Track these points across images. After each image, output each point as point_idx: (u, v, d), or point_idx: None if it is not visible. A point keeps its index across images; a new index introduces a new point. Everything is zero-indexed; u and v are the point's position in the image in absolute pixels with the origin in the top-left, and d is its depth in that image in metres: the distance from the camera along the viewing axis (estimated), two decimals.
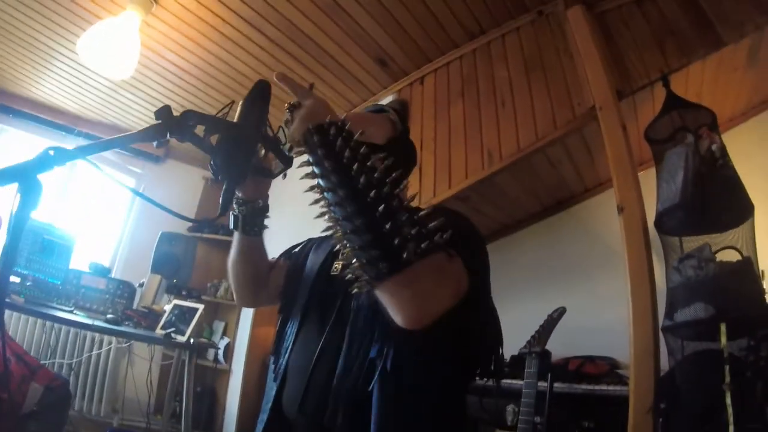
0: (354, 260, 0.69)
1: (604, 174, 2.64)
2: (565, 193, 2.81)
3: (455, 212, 0.99)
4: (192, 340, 2.49)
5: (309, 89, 0.88)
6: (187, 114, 0.80)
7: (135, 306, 2.67)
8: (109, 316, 2.42)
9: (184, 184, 3.55)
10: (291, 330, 1.04)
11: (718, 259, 1.81)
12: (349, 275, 0.71)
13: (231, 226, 1.08)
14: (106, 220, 3.52)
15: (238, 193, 1.04)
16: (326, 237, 1.12)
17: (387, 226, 0.65)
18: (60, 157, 0.68)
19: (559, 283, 2.75)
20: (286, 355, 1.01)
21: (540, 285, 2.81)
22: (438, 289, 0.71)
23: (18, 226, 0.70)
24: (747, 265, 1.71)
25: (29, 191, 0.67)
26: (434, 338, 0.77)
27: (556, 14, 2.43)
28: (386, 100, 3.03)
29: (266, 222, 1.10)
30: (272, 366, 1.06)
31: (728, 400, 1.57)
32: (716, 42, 1.90)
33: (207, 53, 2.68)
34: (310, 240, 1.23)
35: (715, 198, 1.82)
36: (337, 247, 0.75)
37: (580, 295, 2.63)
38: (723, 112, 1.89)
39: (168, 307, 2.61)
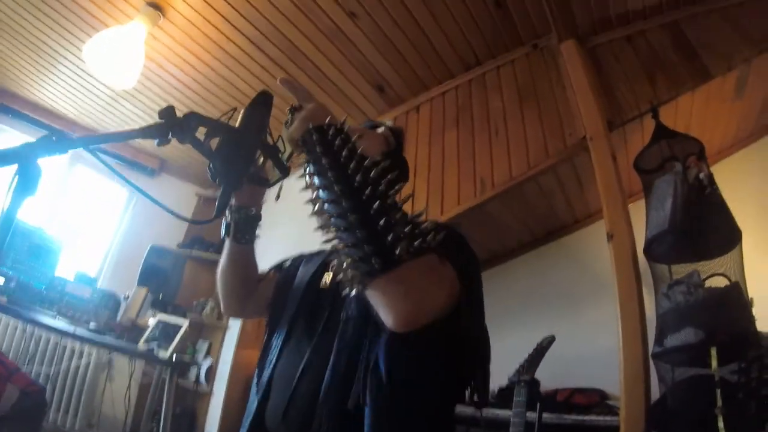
0: (347, 258, 0.68)
1: (594, 205, 2.67)
2: (556, 223, 2.83)
3: (447, 225, 0.99)
4: (174, 357, 2.44)
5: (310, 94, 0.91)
6: (190, 115, 0.82)
7: (119, 318, 2.62)
8: (91, 324, 2.38)
9: (176, 200, 3.54)
10: (276, 342, 1.02)
11: (707, 285, 1.83)
12: (341, 275, 0.69)
13: (222, 233, 1.08)
14: (96, 229, 3.48)
15: (233, 200, 1.04)
16: (317, 252, 1.15)
17: (381, 223, 0.65)
18: (62, 143, 0.69)
19: (549, 312, 2.74)
20: (270, 368, 0.99)
21: (530, 314, 2.80)
22: (430, 288, 0.71)
23: (13, 209, 0.70)
24: (736, 290, 1.72)
25: (28, 174, 0.67)
26: (427, 343, 0.78)
27: (550, 48, 2.51)
28: None
29: (259, 235, 1.09)
30: (255, 380, 1.03)
31: (720, 424, 1.54)
32: (704, 74, 1.97)
33: (208, 69, 2.74)
34: (301, 255, 1.22)
35: (704, 224, 1.85)
36: (329, 259, 0.76)
37: (569, 325, 2.62)
38: (711, 144, 1.94)
39: (152, 322, 2.56)
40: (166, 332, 2.49)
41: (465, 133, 2.70)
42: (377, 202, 0.66)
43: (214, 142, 0.90)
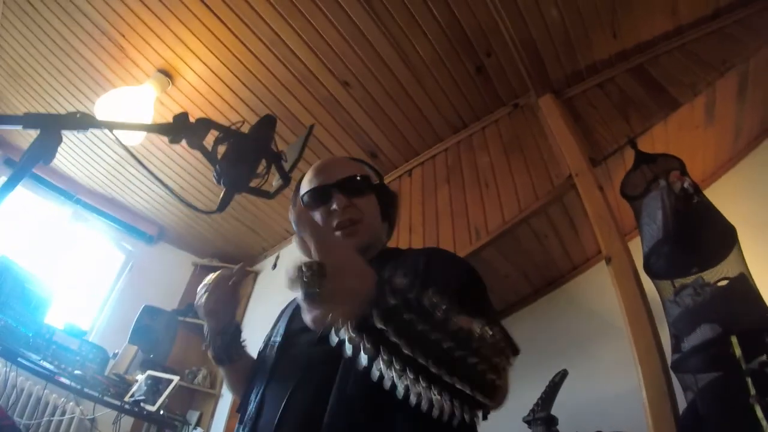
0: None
1: (591, 249, 2.72)
2: (554, 272, 2.84)
3: (451, 256, 1.04)
4: (162, 412, 2.27)
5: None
6: (202, 121, 0.88)
7: (106, 373, 2.48)
8: (77, 372, 2.24)
9: (173, 267, 3.55)
10: (255, 396, 0.97)
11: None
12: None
13: (217, 363, 1.09)
14: (91, 286, 3.41)
15: (213, 327, 1.04)
16: (288, 304, 1.15)
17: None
18: (84, 121, 0.77)
19: (557, 363, 2.62)
20: (250, 424, 0.92)
21: (537, 367, 2.67)
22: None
23: (25, 168, 0.78)
24: (742, 281, 1.72)
25: (49, 141, 0.75)
26: None
27: (530, 104, 2.75)
28: None
29: (245, 343, 1.10)
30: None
31: (760, 413, 1.45)
32: (673, 103, 2.16)
33: (210, 136, 2.92)
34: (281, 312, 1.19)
35: (697, 229, 1.90)
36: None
37: (582, 373, 2.51)
38: (693, 172, 2.04)
39: (141, 377, 2.42)
40: (155, 388, 2.35)
41: (456, 190, 2.83)
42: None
43: (221, 152, 0.99)
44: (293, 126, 2.94)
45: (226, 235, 3.72)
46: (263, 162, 1.02)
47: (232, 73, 2.67)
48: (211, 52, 2.59)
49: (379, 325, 0.57)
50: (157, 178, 1.01)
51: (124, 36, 2.53)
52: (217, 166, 0.94)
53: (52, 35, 2.61)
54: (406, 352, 0.58)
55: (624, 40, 2.35)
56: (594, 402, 2.45)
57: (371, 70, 2.73)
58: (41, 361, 2.17)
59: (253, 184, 0.98)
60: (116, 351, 2.70)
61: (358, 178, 1.11)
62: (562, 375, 2.23)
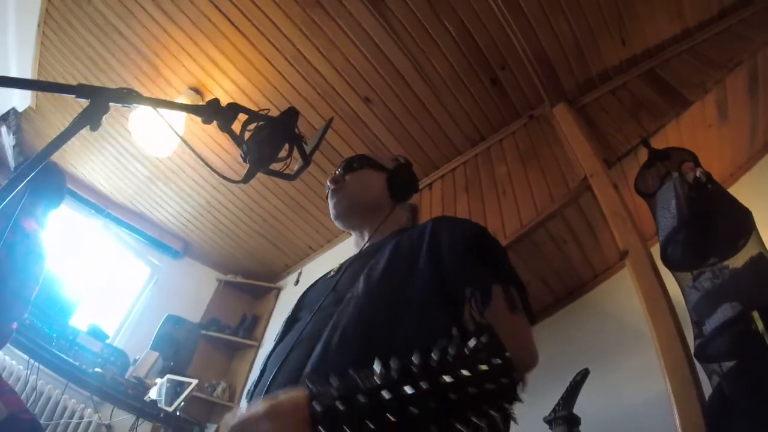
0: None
1: (611, 256, 2.72)
2: (575, 279, 2.83)
3: (456, 219, 1.16)
4: (179, 413, 2.32)
5: None
6: (231, 105, 1.01)
7: (126, 376, 2.55)
8: (98, 369, 2.32)
9: (197, 283, 3.66)
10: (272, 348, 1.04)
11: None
12: None
13: None
14: (117, 296, 3.53)
15: None
16: None
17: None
18: (130, 97, 0.86)
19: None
20: (263, 365, 1.00)
21: (562, 380, 2.64)
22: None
23: (70, 132, 0.91)
24: (760, 259, 1.72)
25: (96, 110, 0.83)
26: None
27: (545, 115, 2.85)
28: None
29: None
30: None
31: None
32: (683, 102, 2.22)
33: (237, 151, 3.08)
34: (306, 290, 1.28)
35: (712, 212, 1.92)
36: None
37: (609, 382, 2.46)
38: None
39: (160, 380, 2.48)
40: (174, 391, 2.40)
41: (475, 199, 2.90)
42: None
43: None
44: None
45: (250, 251, 3.84)
46: (286, 147, 1.16)
47: (258, 89, 2.87)
48: (239, 70, 2.79)
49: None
50: (201, 158, 1.12)
51: (157, 55, 2.76)
52: (244, 146, 1.07)
53: (90, 54, 2.86)
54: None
55: (633, 46, 2.45)
56: (622, 411, 2.39)
57: (391, 86, 2.89)
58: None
59: (277, 168, 1.13)
60: (137, 357, 2.78)
61: (352, 159, 1.35)
62: (584, 374, 2.20)
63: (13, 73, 3.01)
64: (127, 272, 3.87)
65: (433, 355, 0.68)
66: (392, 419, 0.61)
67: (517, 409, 0.77)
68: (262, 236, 3.67)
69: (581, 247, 2.68)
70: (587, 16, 2.43)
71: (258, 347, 3.41)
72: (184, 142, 1.20)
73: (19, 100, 3.17)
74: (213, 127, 3.00)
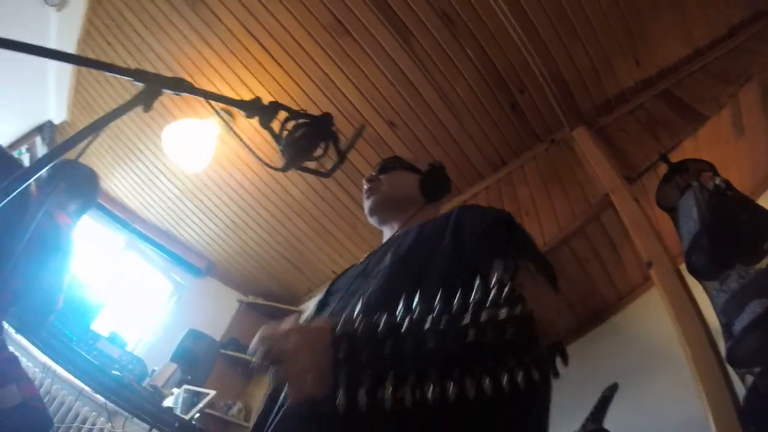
0: None
1: (635, 277, 2.71)
2: (599, 302, 2.81)
3: (480, 206, 1.25)
4: (195, 423, 2.32)
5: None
6: (273, 103, 1.09)
7: (144, 384, 2.57)
8: (115, 372, 2.36)
9: (219, 303, 3.73)
10: None
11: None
12: None
13: None
14: (140, 308, 3.58)
15: None
16: None
17: None
18: (180, 86, 0.96)
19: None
20: None
21: (591, 403, 2.58)
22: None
23: (123, 110, 0.93)
24: None
25: (150, 94, 0.93)
26: None
27: (566, 139, 2.93)
28: None
29: None
30: None
31: None
32: (699, 117, 2.30)
33: (265, 173, 3.24)
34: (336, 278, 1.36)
35: (733, 216, 1.93)
36: None
37: (640, 405, 2.41)
38: None
39: (177, 390, 2.50)
40: (191, 401, 2.41)
41: None
42: None
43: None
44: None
45: (273, 273, 3.90)
46: (321, 148, 1.26)
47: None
48: (269, 93, 2.97)
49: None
50: (247, 145, 1.24)
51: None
52: (283, 141, 1.16)
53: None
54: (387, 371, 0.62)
55: (647, 68, 2.56)
56: None
57: (415, 111, 3.02)
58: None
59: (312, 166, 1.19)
60: (155, 368, 2.81)
61: (387, 160, 1.48)
62: (613, 388, 2.16)
63: (52, 86, 3.23)
64: (150, 286, 3.98)
65: (455, 299, 0.66)
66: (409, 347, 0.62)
67: None
68: (285, 258, 3.74)
69: (604, 265, 2.68)
70: (601, 40, 2.55)
71: None
72: (233, 131, 1.30)
73: (56, 113, 3.38)
74: (242, 148, 3.16)
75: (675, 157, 2.42)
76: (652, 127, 2.50)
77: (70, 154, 1.01)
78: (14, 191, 0.77)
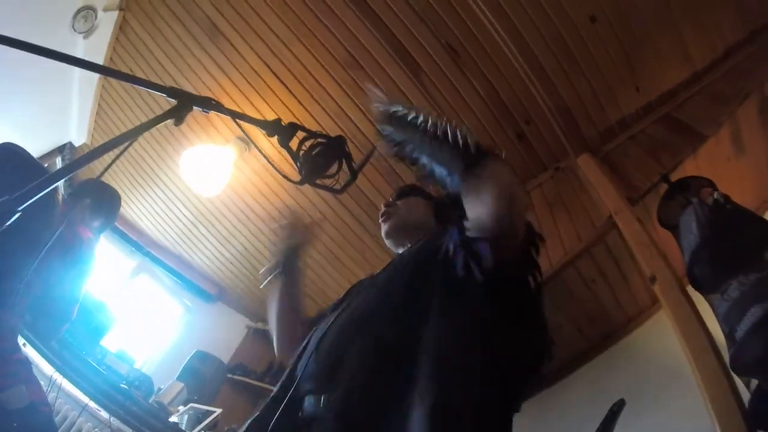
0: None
1: (642, 299, 2.73)
2: (608, 324, 2.82)
3: None
4: None
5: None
6: (292, 124, 1.22)
7: (150, 401, 2.60)
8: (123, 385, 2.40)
9: (227, 328, 3.79)
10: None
11: None
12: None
13: (279, 271, 1.54)
14: (149, 329, 3.63)
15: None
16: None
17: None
18: (210, 106, 1.06)
19: (623, 421, 2.50)
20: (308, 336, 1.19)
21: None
22: (516, 184, 1.12)
23: (155, 122, 0.99)
24: None
25: (182, 110, 1.01)
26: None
27: (571, 167, 3.02)
28: None
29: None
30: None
31: None
32: (698, 137, 2.40)
33: (279, 202, 3.37)
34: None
35: (733, 229, 1.98)
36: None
37: (651, 428, 2.39)
38: None
39: (183, 408, 2.53)
40: (196, 418, 2.44)
41: None
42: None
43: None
44: (353, 193, 3.35)
45: None
46: (335, 165, 1.38)
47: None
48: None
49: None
50: (268, 159, 1.32)
51: None
52: (300, 158, 1.29)
53: (149, 102, 3.29)
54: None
55: (647, 94, 2.67)
56: None
57: None
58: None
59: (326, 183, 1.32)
60: (161, 386, 2.85)
61: (404, 187, 1.63)
62: (620, 405, 2.15)
63: (75, 108, 3.44)
64: (160, 308, 4.07)
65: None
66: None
67: None
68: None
69: (611, 287, 2.72)
70: (602, 69, 2.69)
71: None
72: (256, 147, 1.41)
73: (76, 134, 3.58)
74: (258, 176, 3.33)
75: (676, 177, 2.50)
76: (654, 150, 2.60)
77: (98, 167, 1.09)
78: (39, 194, 0.78)
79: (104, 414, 2.67)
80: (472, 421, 0.82)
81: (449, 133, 1.01)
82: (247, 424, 1.04)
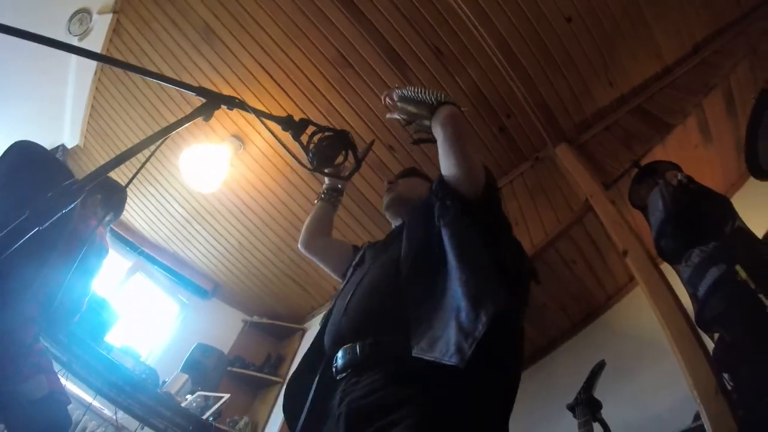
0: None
1: (620, 277, 3.01)
2: (590, 303, 3.10)
3: None
4: (212, 420, 2.51)
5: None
6: (303, 120, 1.37)
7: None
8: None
9: (223, 323, 3.97)
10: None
11: None
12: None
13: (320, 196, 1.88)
14: (148, 325, 3.79)
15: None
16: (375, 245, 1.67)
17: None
18: (233, 104, 1.19)
19: (605, 393, 2.75)
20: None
21: None
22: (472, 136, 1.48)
23: (185, 121, 1.12)
24: (740, 229, 2.06)
25: (209, 108, 1.13)
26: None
27: (550, 156, 3.29)
28: None
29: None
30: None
31: None
32: (667, 126, 2.69)
33: (272, 195, 3.58)
34: (365, 248, 1.69)
35: (695, 205, 2.27)
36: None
37: (631, 396, 2.66)
38: None
39: (190, 396, 2.69)
40: (205, 404, 2.61)
41: None
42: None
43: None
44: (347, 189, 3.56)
45: (277, 293, 4.16)
46: (341, 155, 1.57)
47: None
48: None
49: None
50: (278, 139, 1.55)
51: None
52: (311, 150, 1.46)
53: (144, 103, 3.44)
54: None
55: (620, 87, 2.97)
56: (648, 421, 2.54)
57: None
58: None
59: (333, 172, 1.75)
60: (166, 379, 3.00)
61: (405, 169, 1.88)
62: (601, 365, 2.42)
63: (69, 110, 3.56)
64: (158, 306, 4.21)
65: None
66: None
67: None
68: (290, 278, 4.01)
69: (591, 267, 2.99)
70: (578, 66, 2.97)
71: (282, 385, 3.60)
72: (279, 141, 1.54)
73: (69, 137, 3.68)
74: (252, 172, 3.52)
75: (646, 161, 2.80)
76: (627, 140, 2.89)
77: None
78: (69, 203, 0.82)
79: (108, 413, 2.82)
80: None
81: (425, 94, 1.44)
82: (287, 382, 1.33)
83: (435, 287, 1.12)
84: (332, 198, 1.89)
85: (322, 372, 1.27)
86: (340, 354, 1.21)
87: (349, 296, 1.31)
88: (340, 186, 1.91)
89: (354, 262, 1.59)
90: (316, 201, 1.91)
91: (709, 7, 2.70)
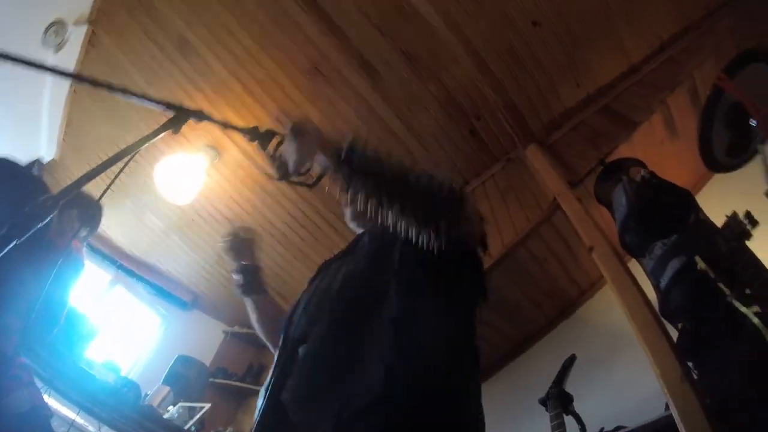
0: None
1: (594, 273, 3.12)
2: (564, 299, 3.20)
3: None
4: (194, 431, 2.55)
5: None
6: (269, 130, 1.37)
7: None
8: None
9: (204, 334, 4.00)
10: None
11: None
12: None
13: (241, 293, 1.69)
14: (128, 339, 3.79)
15: (239, 264, 1.67)
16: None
17: None
18: (203, 116, 1.26)
19: (581, 387, 2.84)
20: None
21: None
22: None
23: (155, 134, 1.20)
24: (699, 221, 2.17)
25: (179, 120, 1.20)
26: None
27: (520, 157, 3.40)
28: None
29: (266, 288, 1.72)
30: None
31: (744, 309, 1.80)
32: (633, 124, 2.81)
33: (249, 206, 3.62)
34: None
35: (658, 201, 2.37)
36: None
37: (605, 388, 2.76)
38: None
39: (173, 408, 2.73)
40: (187, 415, 2.64)
41: None
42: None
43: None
44: (322, 196, 3.62)
45: None
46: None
47: None
48: None
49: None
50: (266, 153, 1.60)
51: None
52: (277, 160, 1.52)
53: (120, 113, 3.43)
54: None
55: (587, 88, 3.08)
56: (623, 412, 2.63)
57: (383, 141, 3.47)
58: None
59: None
60: (148, 392, 3.02)
61: None
62: (571, 359, 2.52)
63: (44, 124, 3.52)
64: (138, 319, 4.21)
65: None
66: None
67: None
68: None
69: (562, 264, 3.09)
70: (545, 68, 3.06)
71: None
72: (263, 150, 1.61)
73: (46, 151, 3.65)
74: (228, 182, 3.56)
75: (611, 160, 2.91)
76: (594, 139, 3.00)
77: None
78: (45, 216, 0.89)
79: (92, 429, 2.83)
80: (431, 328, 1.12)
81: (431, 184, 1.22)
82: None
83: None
84: (254, 286, 1.69)
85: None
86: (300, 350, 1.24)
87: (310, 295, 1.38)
88: (246, 268, 1.70)
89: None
90: (242, 297, 1.71)
91: (676, 6, 2.82)
